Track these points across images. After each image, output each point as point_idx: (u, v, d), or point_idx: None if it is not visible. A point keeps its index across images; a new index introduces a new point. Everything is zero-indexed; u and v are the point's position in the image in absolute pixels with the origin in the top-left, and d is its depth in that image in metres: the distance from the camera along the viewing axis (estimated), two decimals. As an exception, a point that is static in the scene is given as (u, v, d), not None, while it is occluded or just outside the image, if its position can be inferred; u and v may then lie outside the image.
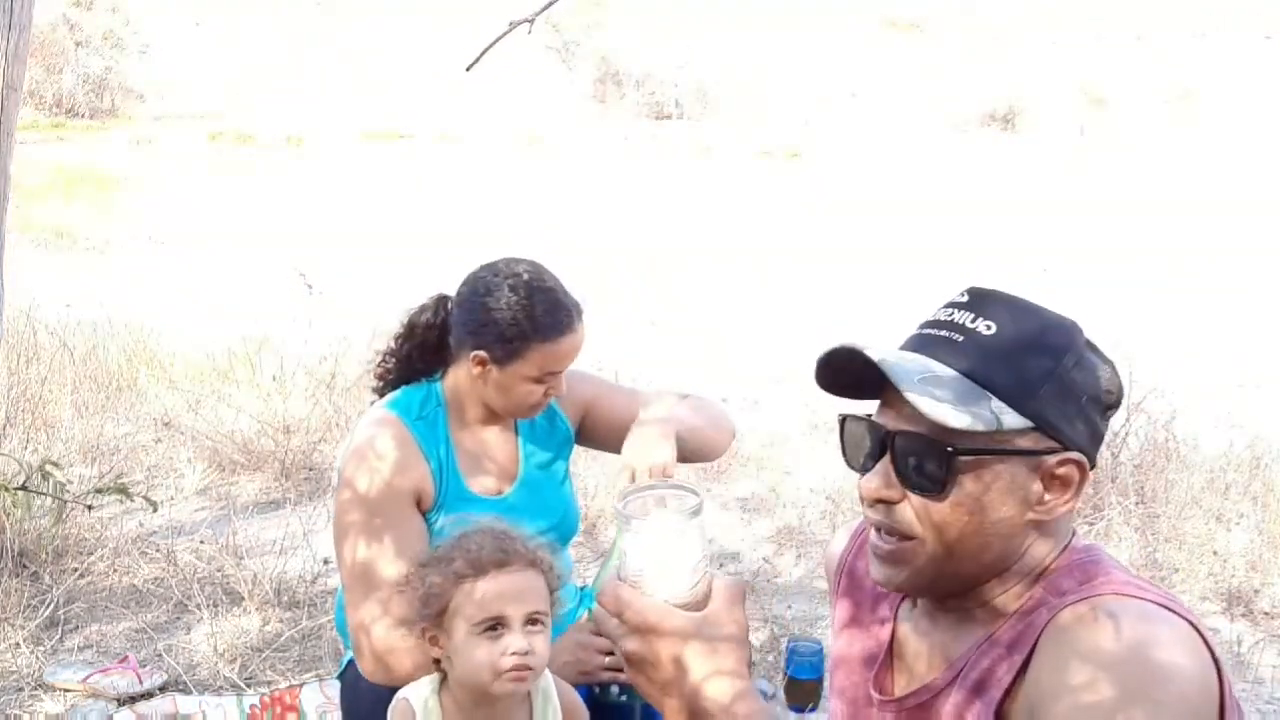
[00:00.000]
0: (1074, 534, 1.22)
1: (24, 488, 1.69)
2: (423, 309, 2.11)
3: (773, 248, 13.48)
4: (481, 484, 2.07)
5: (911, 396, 1.10)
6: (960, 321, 1.17)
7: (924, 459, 1.14)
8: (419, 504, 1.99)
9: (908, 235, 14.71)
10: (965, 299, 1.20)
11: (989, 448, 1.13)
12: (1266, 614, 3.71)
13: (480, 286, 1.99)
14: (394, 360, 2.13)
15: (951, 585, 1.19)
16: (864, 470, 1.19)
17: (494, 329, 1.95)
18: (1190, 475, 4.41)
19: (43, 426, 4.84)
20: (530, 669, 1.55)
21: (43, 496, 3.10)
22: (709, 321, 9.02)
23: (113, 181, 17.89)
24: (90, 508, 3.00)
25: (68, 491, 2.97)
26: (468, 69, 1.92)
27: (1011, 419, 1.13)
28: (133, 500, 1.71)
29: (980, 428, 1.12)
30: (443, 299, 2.09)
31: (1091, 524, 4.08)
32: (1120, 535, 4.04)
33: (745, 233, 14.82)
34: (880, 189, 21.05)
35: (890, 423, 1.16)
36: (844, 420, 1.22)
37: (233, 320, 6.25)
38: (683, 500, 0.91)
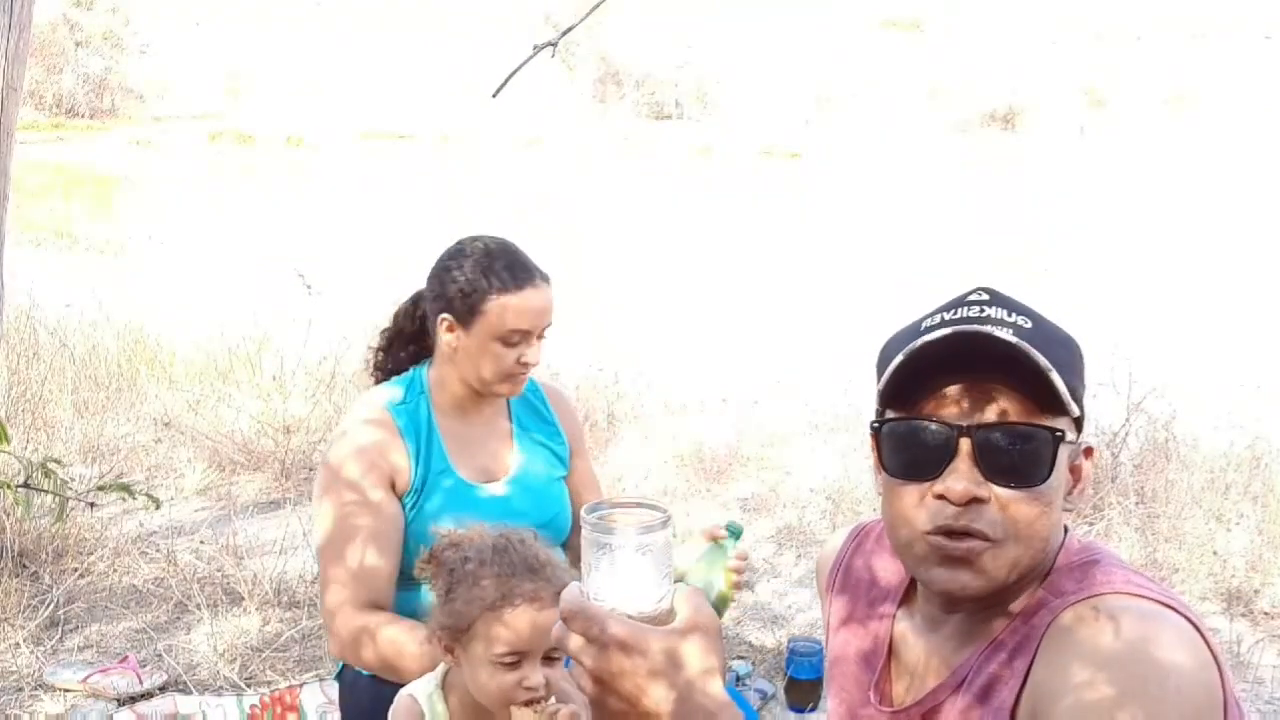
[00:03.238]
0: (1068, 531, 1.22)
1: (26, 485, 1.69)
2: (405, 305, 2.18)
3: (773, 248, 13.49)
4: (473, 472, 2.08)
5: (1055, 378, 1.09)
6: (999, 317, 1.15)
7: (1032, 448, 1.11)
8: (394, 487, 2.01)
9: (908, 235, 14.72)
10: (986, 297, 1.18)
11: (1069, 438, 1.14)
12: (1266, 614, 3.71)
13: (444, 255, 2.07)
14: (382, 354, 2.20)
15: (1012, 586, 1.15)
16: (928, 475, 1.14)
17: (455, 288, 2.01)
18: (1190, 475, 4.41)
19: (43, 426, 4.84)
20: (541, 699, 1.55)
21: (43, 495, 3.10)
22: (709, 321, 9.01)
23: (113, 181, 17.89)
24: (93, 505, 3.00)
25: (70, 489, 2.97)
26: (494, 95, 1.92)
27: (1075, 408, 1.14)
28: (135, 498, 1.71)
29: (1076, 414, 1.14)
30: (420, 293, 2.15)
31: (1091, 524, 4.09)
32: (1120, 535, 4.04)
33: (745, 232, 14.83)
34: (880, 189, 21.05)
35: (974, 418, 1.12)
36: (903, 424, 1.16)
37: (233, 320, 6.24)
38: (649, 515, 0.91)
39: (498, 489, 2.09)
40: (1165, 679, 1.02)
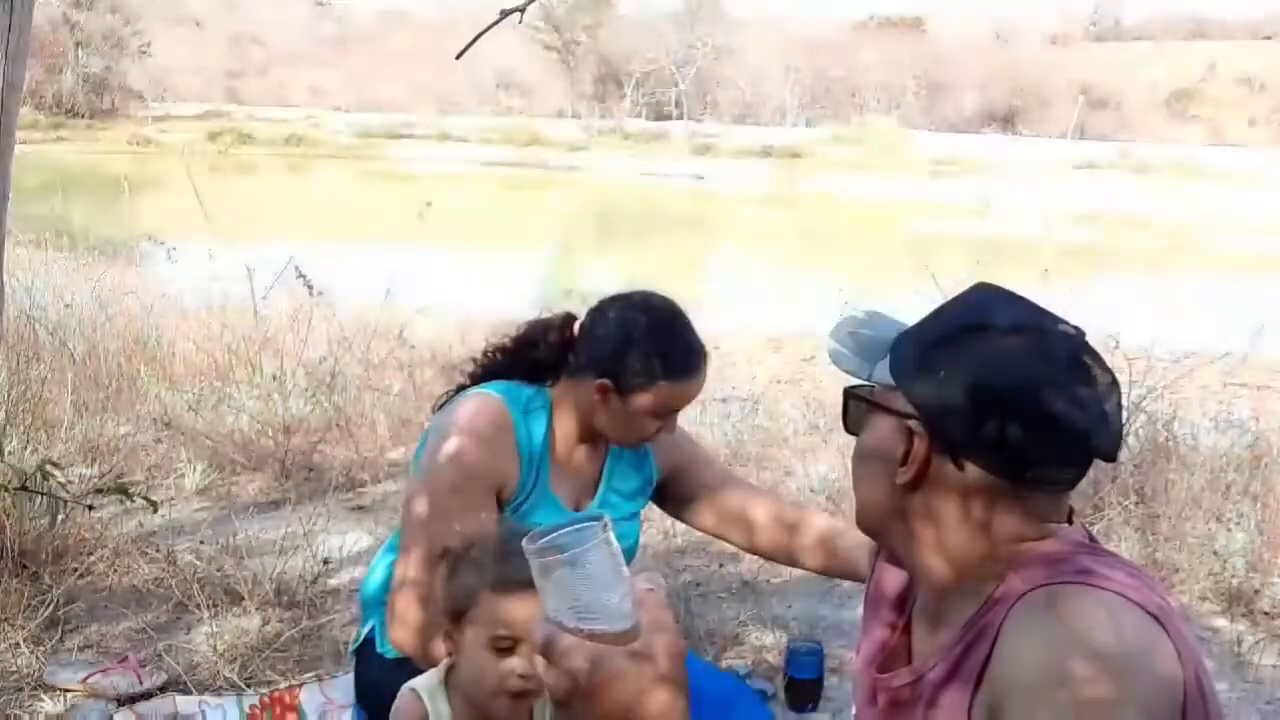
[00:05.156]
0: (1068, 525, 1.22)
1: (24, 488, 1.69)
2: (549, 325, 2.12)
3: (773, 247, 13.50)
4: (563, 497, 2.08)
5: (828, 340, 1.29)
6: (931, 307, 1.28)
7: (846, 402, 1.30)
8: (500, 493, 2.00)
9: (907, 235, 14.73)
10: (964, 289, 1.27)
11: (867, 398, 1.27)
12: (1266, 614, 3.71)
13: (617, 318, 2.02)
14: (502, 359, 2.14)
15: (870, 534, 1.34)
16: None
17: (624, 363, 1.98)
18: (1190, 475, 4.41)
19: (43, 426, 4.83)
20: (534, 692, 1.56)
21: (42, 497, 3.10)
22: (708, 321, 9.01)
23: (113, 181, 17.90)
24: (91, 508, 3.00)
25: (67, 492, 2.97)
26: (457, 56, 1.93)
27: (881, 374, 1.24)
28: (133, 501, 1.71)
29: (859, 376, 1.27)
30: (569, 318, 2.11)
31: (1092, 524, 4.08)
32: (1120, 535, 4.04)
33: (745, 232, 14.84)
34: (880, 188, 21.06)
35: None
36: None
37: (233, 320, 6.24)
38: (586, 528, 0.89)
39: (578, 514, 2.09)
40: (1109, 666, 1.03)
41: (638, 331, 1.99)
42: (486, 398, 2.04)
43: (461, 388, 2.14)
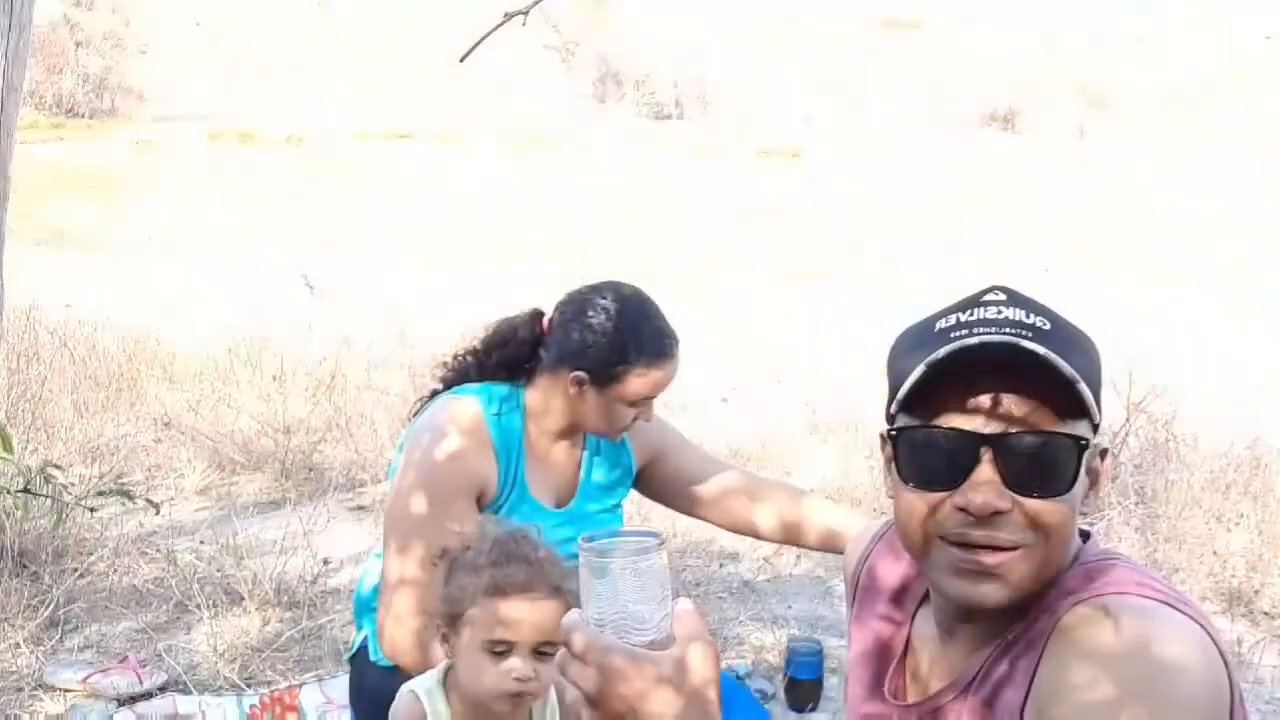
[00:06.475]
0: (1090, 537, 1.20)
1: (26, 490, 1.69)
2: (517, 321, 2.12)
3: (772, 247, 13.49)
4: (542, 494, 2.08)
5: (1083, 389, 1.07)
6: (1017, 318, 1.10)
7: (1056, 457, 1.08)
8: (479, 498, 1.99)
9: (908, 234, 14.73)
10: (1003, 297, 1.14)
11: (1090, 442, 1.11)
12: (1266, 614, 3.72)
13: (586, 309, 2.01)
14: (473, 360, 2.13)
15: (1034, 595, 1.13)
16: (948, 485, 1.10)
17: (597, 352, 1.98)
18: (1190, 475, 4.41)
19: (43, 426, 4.83)
20: (531, 692, 1.56)
21: (42, 498, 3.10)
22: (709, 321, 9.01)
23: (113, 181, 17.89)
24: (92, 510, 3.01)
25: (69, 494, 2.97)
26: (461, 60, 1.93)
27: (1097, 414, 1.11)
28: (135, 503, 1.71)
29: (1098, 420, 1.11)
30: (537, 314, 2.11)
31: (1092, 524, 4.08)
32: (1120, 535, 4.04)
33: (745, 232, 14.84)
34: (880, 188, 21.07)
35: (996, 427, 1.08)
36: (920, 432, 1.12)
37: (233, 320, 6.25)
38: (642, 541, 0.92)
39: (559, 511, 2.09)
40: (1171, 678, 1.01)
41: (608, 320, 1.99)
42: (459, 401, 2.03)
43: (435, 393, 2.13)
